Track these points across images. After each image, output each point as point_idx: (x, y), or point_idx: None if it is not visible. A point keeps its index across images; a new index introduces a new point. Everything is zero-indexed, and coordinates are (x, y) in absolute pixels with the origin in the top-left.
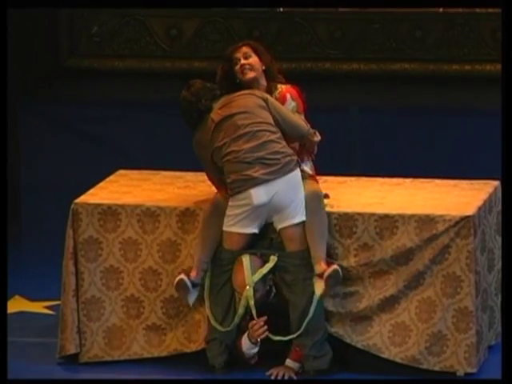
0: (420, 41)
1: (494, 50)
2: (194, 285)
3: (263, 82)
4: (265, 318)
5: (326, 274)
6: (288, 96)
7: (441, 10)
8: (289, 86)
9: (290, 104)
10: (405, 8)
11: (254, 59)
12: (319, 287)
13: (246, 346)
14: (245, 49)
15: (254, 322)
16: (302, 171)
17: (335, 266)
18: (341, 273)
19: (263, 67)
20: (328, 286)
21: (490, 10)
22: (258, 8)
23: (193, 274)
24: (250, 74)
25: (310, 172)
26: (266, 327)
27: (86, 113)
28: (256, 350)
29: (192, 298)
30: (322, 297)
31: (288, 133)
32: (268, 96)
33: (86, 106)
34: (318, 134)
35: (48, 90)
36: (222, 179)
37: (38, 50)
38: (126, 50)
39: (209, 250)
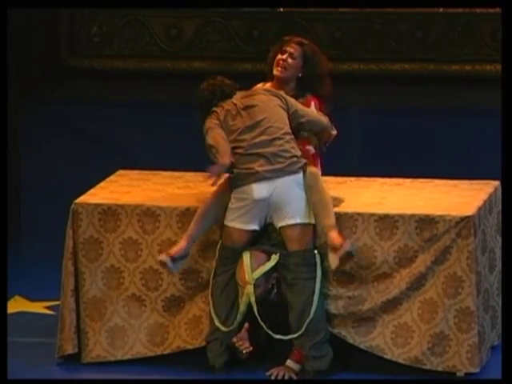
0: (420, 41)
1: (494, 51)
2: (176, 259)
3: (291, 85)
4: (247, 325)
5: (342, 251)
6: (312, 103)
7: (441, 10)
8: (314, 97)
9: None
10: (405, 8)
11: (295, 62)
12: (333, 261)
13: (235, 351)
14: (297, 48)
15: (235, 339)
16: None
17: (352, 244)
18: (355, 249)
19: (299, 74)
20: (342, 261)
21: (490, 10)
22: (258, 8)
23: (177, 249)
24: (279, 73)
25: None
26: (248, 344)
27: (86, 113)
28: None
29: (176, 269)
30: (335, 269)
31: (309, 126)
32: (286, 96)
33: (86, 105)
34: (334, 128)
35: (48, 90)
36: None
37: (37, 49)
38: (126, 50)
39: (201, 229)
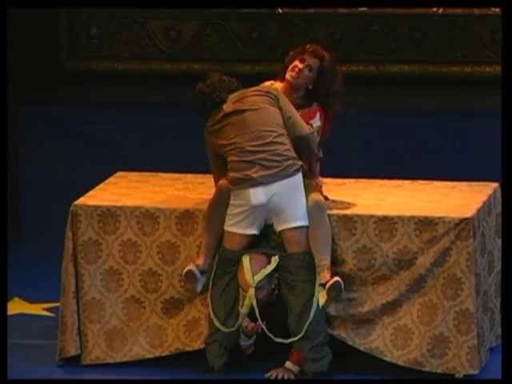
0: (419, 42)
1: (493, 52)
2: (202, 272)
3: (300, 93)
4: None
5: (327, 286)
6: (318, 114)
7: (440, 11)
8: (321, 108)
9: (316, 122)
10: (404, 9)
11: (310, 75)
12: (322, 297)
13: (241, 338)
14: (316, 62)
15: (246, 323)
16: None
17: (337, 278)
18: (342, 285)
19: (310, 86)
20: (330, 296)
21: (490, 12)
22: (257, 9)
23: (200, 262)
24: (291, 78)
25: (318, 182)
26: (257, 323)
27: (85, 114)
28: (251, 341)
29: (200, 286)
30: (324, 306)
31: (288, 129)
32: (280, 94)
33: (85, 107)
34: (321, 152)
35: (47, 92)
36: (223, 171)
37: (37, 51)
38: (126, 52)
39: (214, 238)
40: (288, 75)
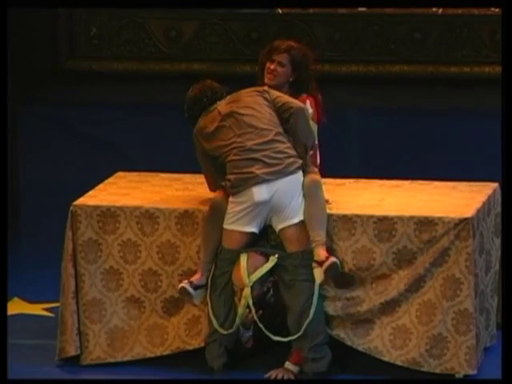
0: (419, 43)
1: (492, 52)
2: (197, 287)
3: (285, 88)
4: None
5: (324, 267)
6: (308, 102)
7: (440, 11)
8: (309, 95)
9: (308, 110)
10: (404, 9)
11: (284, 70)
12: (319, 275)
13: (240, 331)
14: (285, 56)
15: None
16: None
17: (334, 260)
18: (339, 265)
19: (291, 79)
20: (327, 276)
21: (489, 12)
22: (257, 9)
23: (196, 277)
24: (269, 81)
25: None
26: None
27: (84, 115)
28: (250, 333)
29: (198, 300)
30: (321, 284)
31: (281, 114)
32: (270, 91)
33: (84, 107)
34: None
35: (47, 92)
36: (215, 173)
37: (36, 51)
38: (125, 52)
39: (211, 252)
40: (266, 79)
